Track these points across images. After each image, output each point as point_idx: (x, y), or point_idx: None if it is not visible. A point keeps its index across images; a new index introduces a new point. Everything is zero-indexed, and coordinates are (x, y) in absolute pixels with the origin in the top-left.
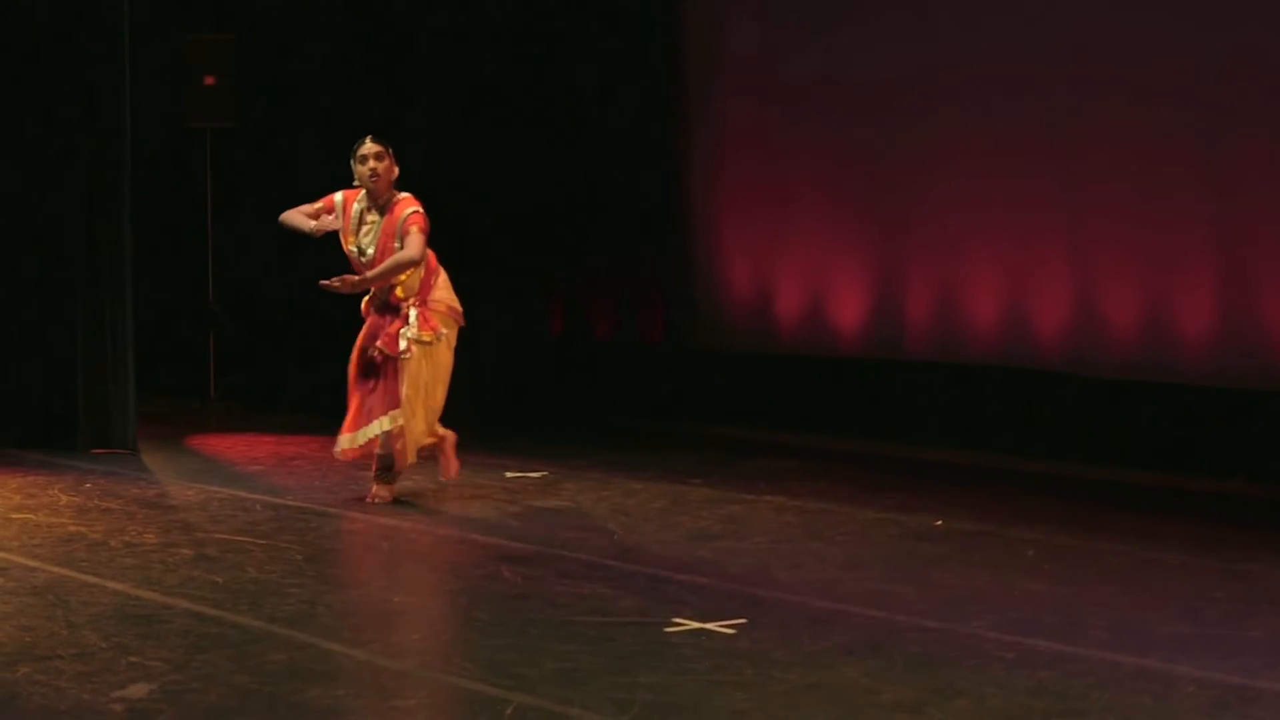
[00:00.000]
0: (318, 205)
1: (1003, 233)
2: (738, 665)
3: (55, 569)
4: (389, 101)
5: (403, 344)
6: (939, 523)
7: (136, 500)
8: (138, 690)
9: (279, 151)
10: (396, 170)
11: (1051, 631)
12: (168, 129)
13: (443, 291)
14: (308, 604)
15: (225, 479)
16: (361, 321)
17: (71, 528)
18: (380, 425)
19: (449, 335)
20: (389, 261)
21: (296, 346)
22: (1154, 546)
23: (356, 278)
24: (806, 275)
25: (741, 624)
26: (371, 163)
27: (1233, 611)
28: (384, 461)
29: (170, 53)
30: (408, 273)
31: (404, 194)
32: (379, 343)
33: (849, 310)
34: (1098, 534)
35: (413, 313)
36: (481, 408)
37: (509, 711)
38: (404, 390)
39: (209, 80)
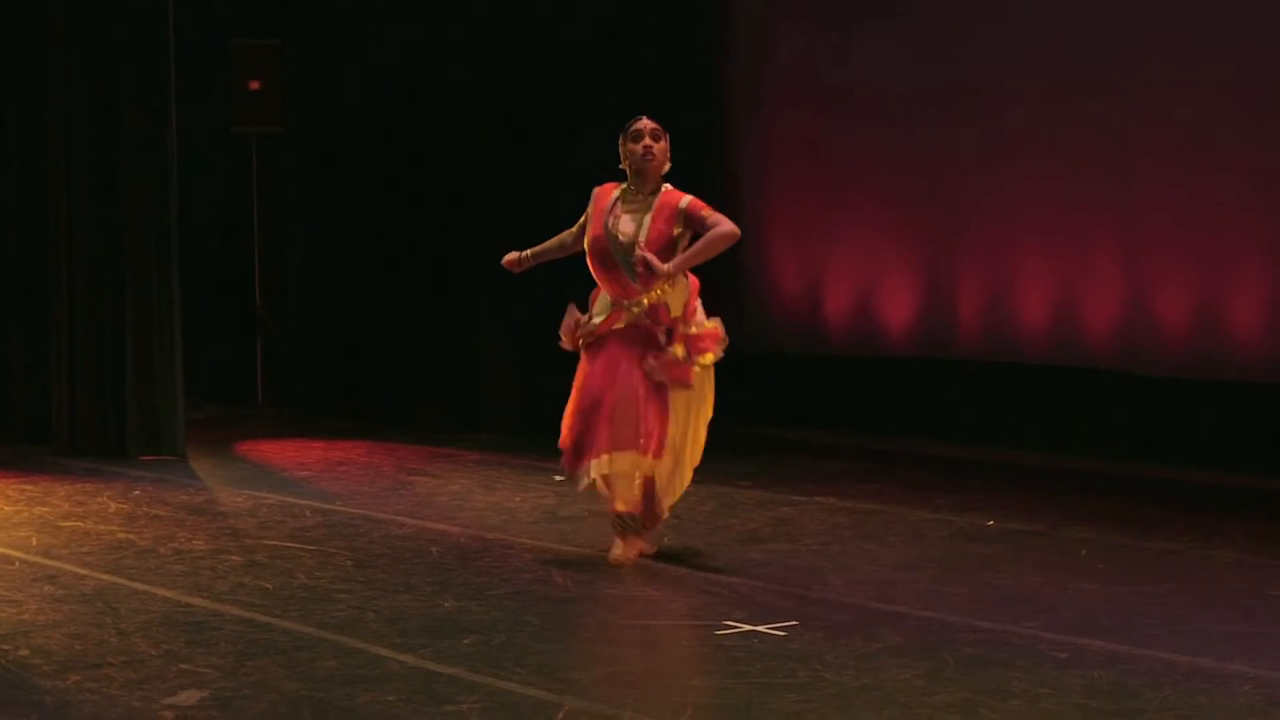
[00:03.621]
0: (576, 226)
1: (1053, 232)
2: (790, 667)
3: (105, 576)
4: (434, 107)
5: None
6: (991, 523)
7: (185, 507)
8: (188, 697)
9: (326, 157)
10: (669, 163)
11: (1106, 631)
12: (214, 135)
13: (704, 313)
14: (358, 609)
15: (274, 485)
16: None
17: (120, 535)
18: (624, 465)
19: (711, 363)
20: (708, 238)
21: (345, 352)
22: (1208, 545)
23: (669, 266)
24: (856, 276)
25: (793, 626)
26: (647, 139)
27: None
28: (637, 512)
29: (216, 58)
30: (674, 286)
31: (671, 186)
32: (655, 369)
33: (899, 310)
34: (1151, 533)
35: (679, 346)
36: (529, 412)
37: (560, 715)
38: (671, 429)
39: (255, 85)
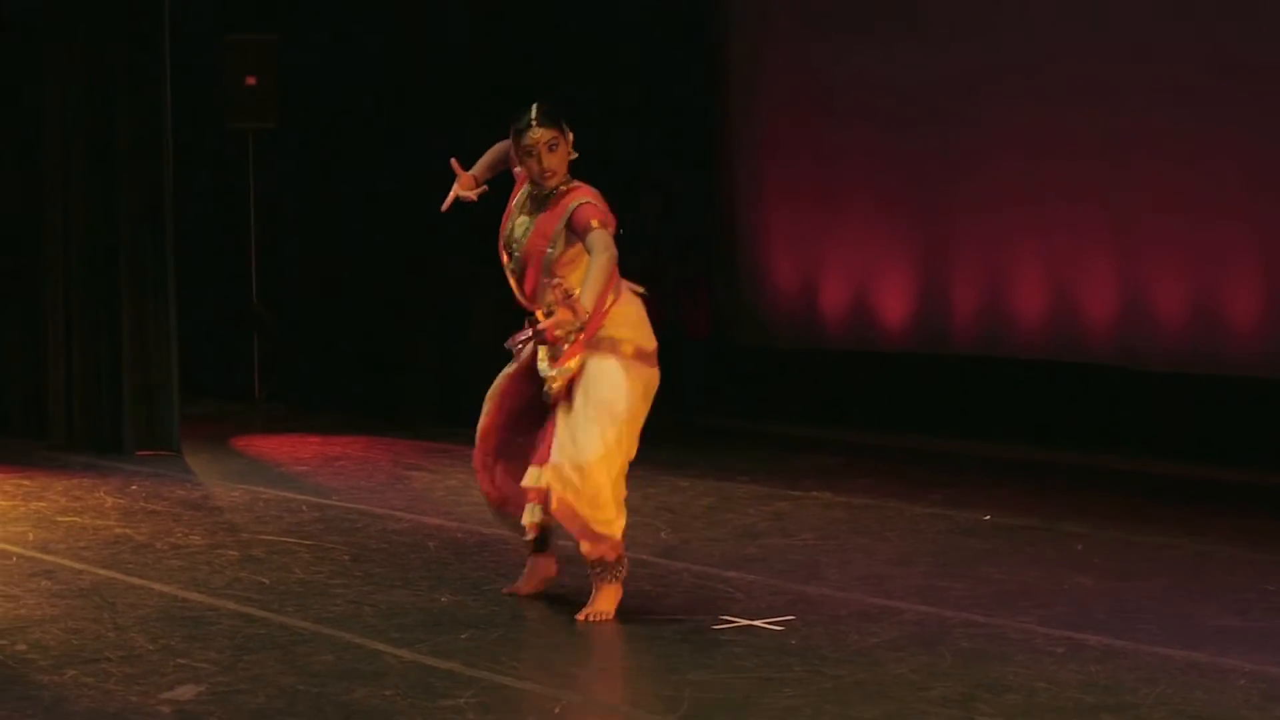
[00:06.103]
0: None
1: (1049, 228)
2: (786, 662)
3: (102, 571)
4: (430, 103)
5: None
6: (987, 517)
7: (182, 502)
8: (186, 692)
9: (321, 153)
10: (574, 154)
11: (1101, 626)
12: (210, 130)
13: (624, 328)
14: (354, 604)
15: (270, 480)
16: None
17: (117, 530)
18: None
19: (634, 369)
20: (599, 267)
21: (341, 347)
22: (1204, 540)
23: (566, 315)
24: (852, 270)
25: (790, 621)
26: (541, 157)
27: None
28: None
29: (211, 53)
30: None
31: (578, 183)
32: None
33: (895, 305)
34: (1147, 528)
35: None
36: None
37: (557, 710)
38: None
39: (250, 81)
